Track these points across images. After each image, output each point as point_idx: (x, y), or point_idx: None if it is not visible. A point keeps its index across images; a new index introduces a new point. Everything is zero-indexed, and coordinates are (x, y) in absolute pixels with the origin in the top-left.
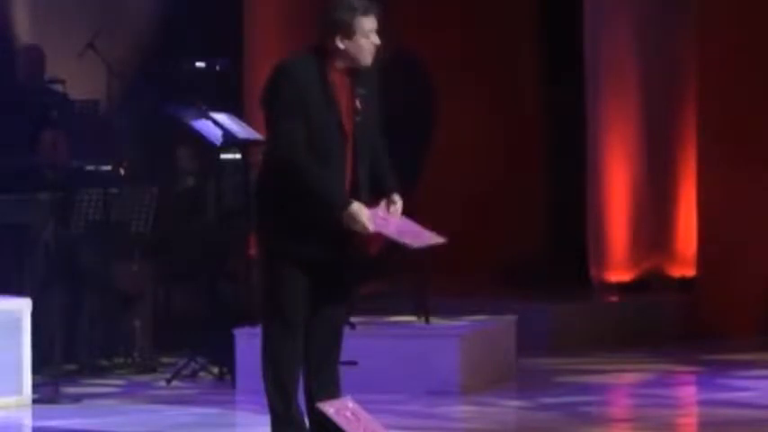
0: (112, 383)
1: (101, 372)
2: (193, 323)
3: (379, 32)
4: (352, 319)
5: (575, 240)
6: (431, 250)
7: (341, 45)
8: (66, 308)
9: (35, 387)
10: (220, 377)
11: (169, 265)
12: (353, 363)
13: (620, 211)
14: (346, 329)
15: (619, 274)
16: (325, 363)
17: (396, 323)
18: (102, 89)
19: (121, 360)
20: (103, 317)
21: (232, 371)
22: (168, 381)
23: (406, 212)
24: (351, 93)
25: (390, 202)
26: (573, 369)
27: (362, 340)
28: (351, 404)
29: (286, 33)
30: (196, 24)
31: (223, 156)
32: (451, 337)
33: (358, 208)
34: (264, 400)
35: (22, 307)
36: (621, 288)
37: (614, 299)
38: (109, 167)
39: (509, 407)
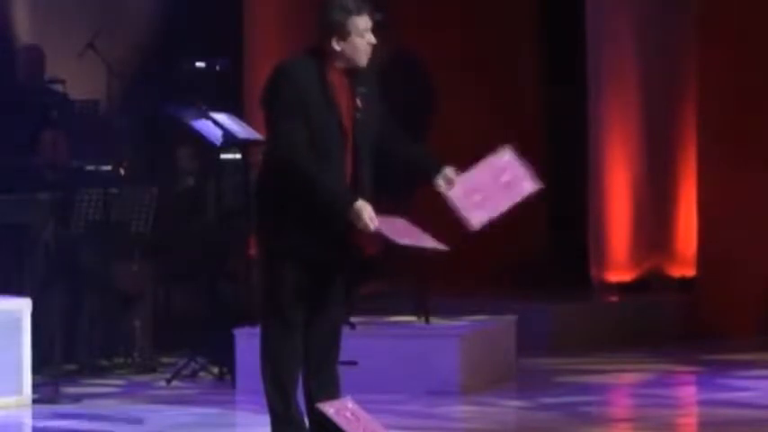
0: (112, 383)
1: (101, 372)
2: (193, 323)
3: (375, 30)
4: (352, 319)
5: (575, 240)
6: (431, 250)
7: (337, 47)
8: (67, 308)
9: (35, 387)
10: (220, 377)
11: (169, 265)
12: (353, 363)
13: (621, 211)
14: (346, 329)
15: (619, 274)
16: (324, 363)
17: (396, 323)
18: (102, 89)
19: (121, 360)
20: (103, 317)
21: (232, 371)
22: (168, 381)
23: (407, 212)
24: (351, 92)
25: (448, 182)
26: (573, 369)
27: (362, 340)
28: (351, 404)
29: (286, 33)
30: (196, 24)
31: (223, 156)
32: (451, 337)
33: (362, 205)
34: (264, 400)
35: (22, 307)
36: (621, 288)
37: (614, 299)
38: (109, 167)
39: (509, 407)
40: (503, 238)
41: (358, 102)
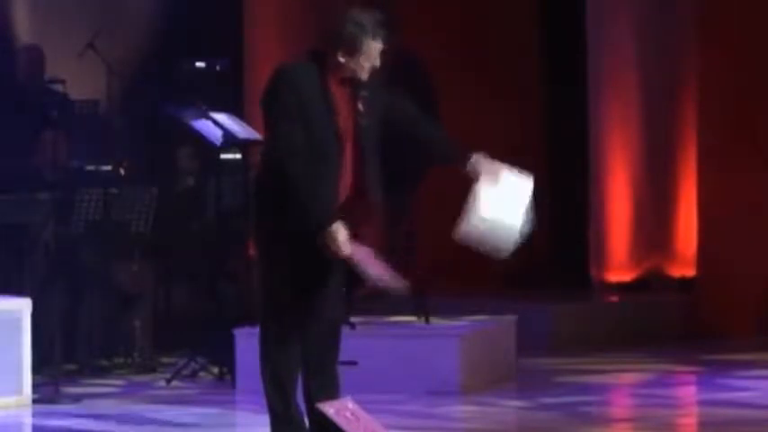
0: (112, 383)
1: (101, 372)
2: (193, 323)
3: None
4: (352, 319)
5: (575, 240)
6: (432, 250)
7: (341, 59)
8: (67, 308)
9: (35, 387)
10: (220, 377)
11: (169, 265)
12: (353, 363)
13: (621, 212)
14: (346, 329)
15: (619, 274)
16: (324, 363)
17: (396, 323)
18: (102, 89)
19: (121, 360)
20: (103, 317)
21: (232, 371)
22: (168, 381)
23: (410, 212)
24: (351, 98)
25: (477, 172)
26: (573, 369)
27: (362, 340)
28: (351, 404)
29: (286, 33)
30: (196, 24)
31: (223, 156)
32: (451, 337)
33: (338, 228)
34: (264, 401)
35: (22, 307)
36: (621, 288)
37: (614, 299)
38: (109, 167)
39: (509, 407)
40: None
41: (360, 106)
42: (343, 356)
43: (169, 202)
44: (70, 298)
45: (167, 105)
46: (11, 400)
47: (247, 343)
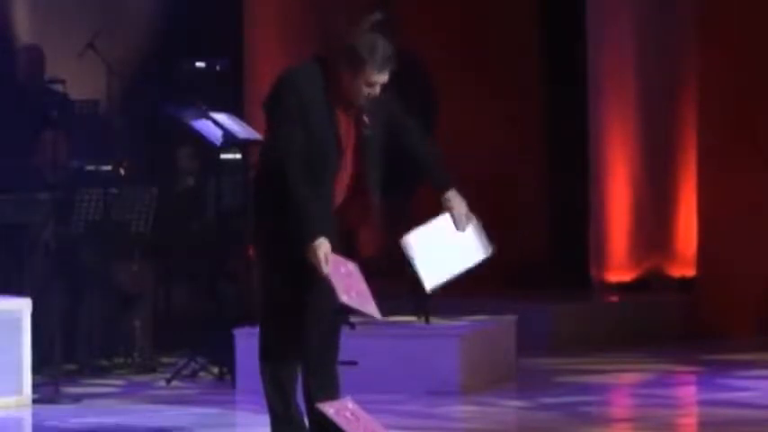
0: (112, 383)
1: (101, 372)
2: (193, 323)
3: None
4: (352, 319)
5: (575, 240)
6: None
7: (341, 71)
8: (67, 308)
9: (35, 387)
10: (220, 377)
11: (169, 265)
12: (353, 363)
13: (621, 211)
14: (346, 329)
15: (619, 274)
16: (323, 363)
17: (396, 323)
18: (102, 89)
19: (121, 360)
20: (103, 317)
21: (232, 371)
22: (168, 381)
23: (410, 212)
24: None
25: (448, 208)
26: (573, 369)
27: (362, 340)
28: (351, 404)
29: (286, 33)
30: (196, 24)
31: (223, 156)
32: (451, 337)
33: (321, 243)
34: (264, 401)
35: (22, 307)
36: (621, 288)
37: (614, 299)
38: (109, 167)
39: (509, 407)
40: (503, 238)
41: (365, 119)
42: (343, 356)
43: (169, 202)
44: (70, 298)
45: (167, 105)
46: (11, 400)
47: (247, 343)
